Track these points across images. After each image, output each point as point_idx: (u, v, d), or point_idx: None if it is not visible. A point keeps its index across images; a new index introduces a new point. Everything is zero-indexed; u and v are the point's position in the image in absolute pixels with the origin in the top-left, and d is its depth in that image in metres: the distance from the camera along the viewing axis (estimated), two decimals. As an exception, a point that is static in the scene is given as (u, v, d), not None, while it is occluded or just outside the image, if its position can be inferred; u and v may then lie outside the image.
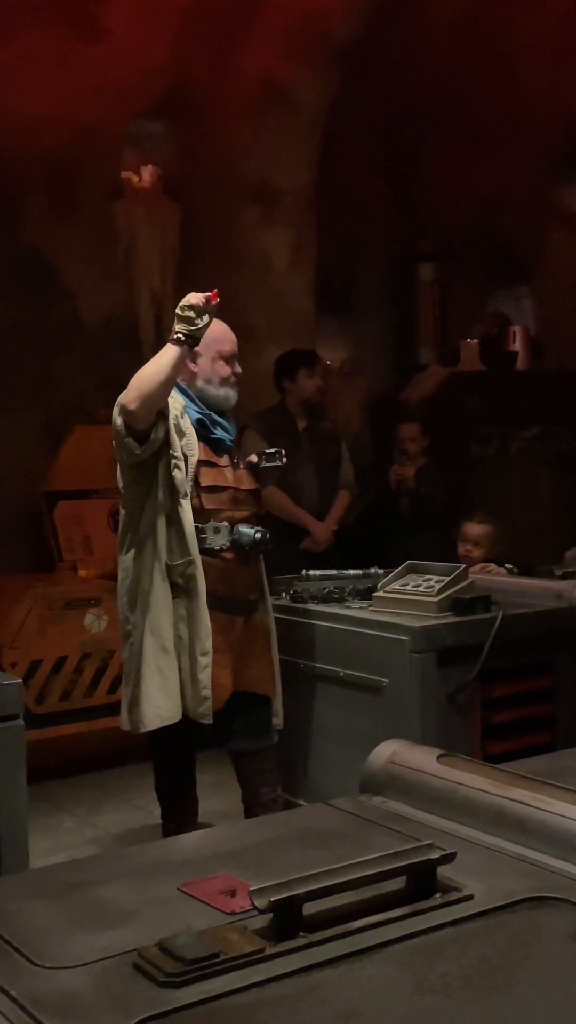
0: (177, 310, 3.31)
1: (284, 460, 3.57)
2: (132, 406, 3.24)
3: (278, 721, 3.60)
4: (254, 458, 3.58)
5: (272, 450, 3.59)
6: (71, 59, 6.16)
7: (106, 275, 6.50)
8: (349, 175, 7.30)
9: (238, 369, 3.58)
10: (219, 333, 3.51)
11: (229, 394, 3.54)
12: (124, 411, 3.27)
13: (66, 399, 6.31)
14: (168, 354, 3.28)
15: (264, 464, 3.56)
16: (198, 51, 6.53)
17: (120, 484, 3.44)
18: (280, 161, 6.71)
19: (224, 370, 3.52)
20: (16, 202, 6.25)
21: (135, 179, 6.63)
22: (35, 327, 6.28)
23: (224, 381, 3.52)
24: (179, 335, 3.28)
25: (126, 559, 3.42)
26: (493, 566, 4.69)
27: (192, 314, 3.26)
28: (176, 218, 6.63)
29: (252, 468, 3.58)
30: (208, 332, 3.32)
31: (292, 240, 6.83)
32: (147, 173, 6.64)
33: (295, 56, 6.53)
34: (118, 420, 3.30)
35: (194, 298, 3.29)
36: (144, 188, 6.62)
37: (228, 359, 3.55)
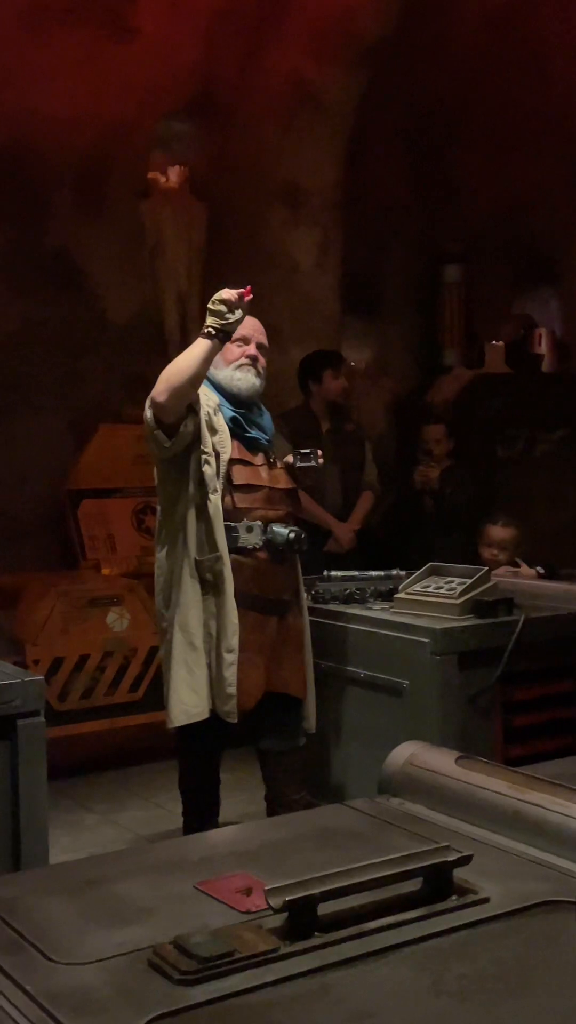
0: (209, 304, 3.31)
1: (320, 460, 3.54)
2: (161, 398, 3.25)
3: (309, 724, 3.59)
4: (290, 458, 3.57)
5: (307, 450, 3.56)
6: (100, 59, 6.19)
7: (133, 275, 6.52)
8: (376, 176, 7.29)
9: (252, 351, 3.51)
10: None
11: (233, 376, 3.47)
12: (153, 403, 3.28)
13: (91, 398, 6.34)
14: (198, 348, 3.29)
15: (299, 464, 3.55)
16: (227, 51, 6.55)
17: (156, 480, 3.46)
18: (307, 161, 6.71)
19: (233, 353, 3.47)
20: (44, 201, 6.28)
21: (163, 179, 6.65)
22: (61, 326, 6.31)
23: (231, 363, 3.48)
24: (210, 329, 3.28)
25: (160, 555, 3.44)
26: (524, 566, 4.67)
27: (224, 308, 3.26)
28: (203, 218, 6.65)
29: (289, 468, 3.57)
30: None
31: (318, 240, 6.83)
32: (175, 173, 6.65)
33: (323, 56, 6.53)
34: (148, 413, 3.31)
35: (226, 293, 3.29)
36: (171, 188, 6.64)
37: (244, 343, 3.50)
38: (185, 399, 3.27)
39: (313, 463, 3.52)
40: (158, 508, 3.50)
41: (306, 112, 6.64)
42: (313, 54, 6.51)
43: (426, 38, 6.92)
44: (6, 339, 6.16)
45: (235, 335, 3.42)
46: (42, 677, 2.82)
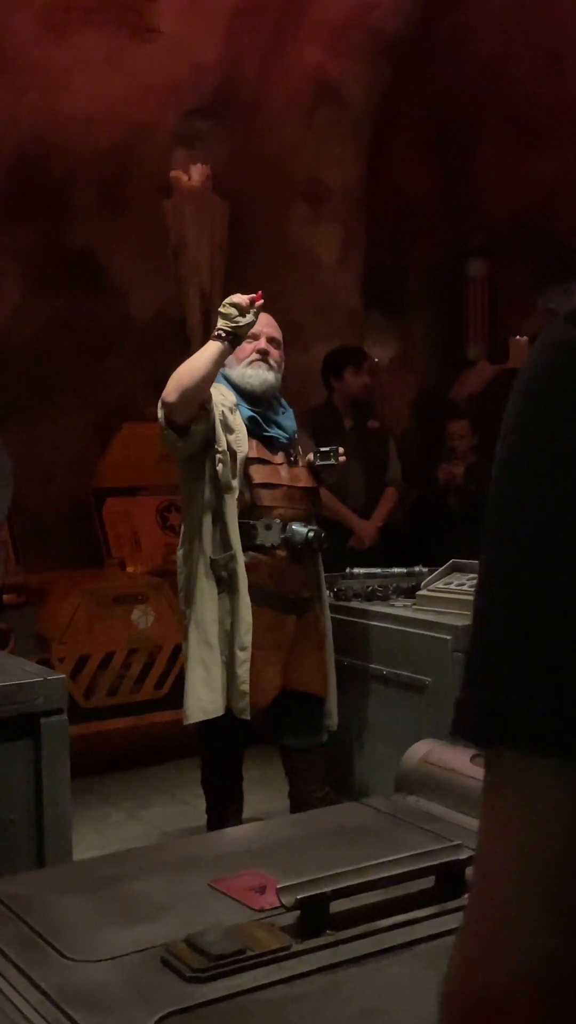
0: (220, 308, 3.33)
1: (341, 459, 3.53)
2: (170, 399, 3.27)
3: (331, 722, 3.60)
4: (311, 457, 3.57)
5: (327, 448, 3.55)
6: (121, 59, 6.21)
7: (155, 273, 6.54)
8: (398, 171, 7.28)
9: (261, 345, 3.50)
10: None
11: (245, 373, 3.48)
12: (164, 404, 3.30)
13: (115, 397, 6.36)
14: (209, 350, 3.30)
15: (319, 463, 3.54)
16: (247, 49, 6.55)
17: (178, 480, 3.49)
18: (329, 158, 6.70)
19: (244, 350, 3.46)
20: (67, 201, 6.31)
21: (185, 178, 6.66)
22: (85, 325, 6.34)
23: (242, 360, 3.48)
24: (220, 332, 3.30)
25: (180, 554, 3.47)
26: None
27: (234, 311, 3.28)
28: (225, 216, 6.65)
29: (311, 467, 3.57)
30: None
31: (341, 237, 6.82)
32: (197, 171, 6.66)
33: (344, 52, 6.52)
34: (160, 413, 3.33)
35: (238, 297, 3.31)
36: (194, 186, 6.65)
37: (253, 339, 3.48)
38: (195, 401, 3.29)
39: (333, 462, 3.52)
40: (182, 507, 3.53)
41: (327, 108, 6.64)
42: (334, 50, 6.51)
43: (446, 32, 6.90)
44: (30, 338, 6.20)
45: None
46: (65, 675, 2.85)
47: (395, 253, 7.47)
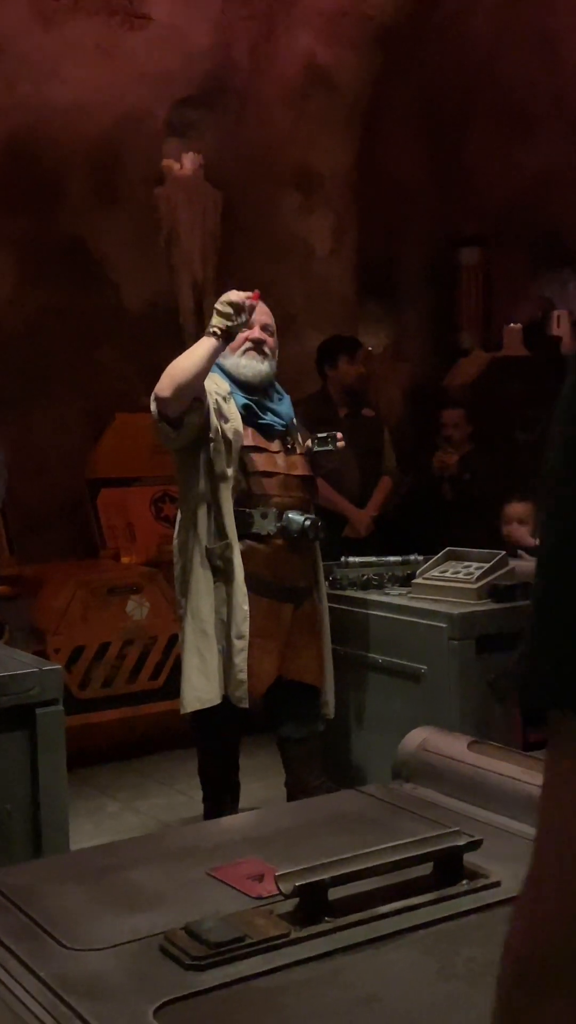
0: (217, 305, 3.32)
1: (340, 444, 3.50)
2: (163, 394, 3.27)
3: (327, 710, 3.60)
4: (309, 443, 3.56)
5: (324, 434, 3.53)
6: (112, 47, 6.19)
7: (148, 263, 6.52)
8: (391, 159, 7.26)
9: (255, 334, 3.48)
10: None
11: (239, 363, 3.47)
12: (156, 398, 3.30)
13: (108, 387, 6.34)
14: (203, 346, 3.30)
15: (316, 448, 3.53)
16: (239, 36, 6.53)
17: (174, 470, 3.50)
18: (321, 146, 6.69)
19: (237, 339, 3.44)
20: (59, 190, 6.29)
21: (177, 166, 6.64)
22: (77, 315, 6.32)
23: (236, 350, 3.47)
24: (215, 329, 3.29)
25: (175, 543, 3.47)
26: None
27: (230, 310, 3.27)
28: (217, 205, 6.63)
29: (308, 454, 3.57)
30: None
31: (333, 225, 6.81)
32: (189, 160, 6.64)
33: (336, 39, 6.50)
34: (152, 406, 3.33)
35: (234, 295, 3.30)
36: (186, 175, 6.63)
37: (248, 327, 3.46)
38: (188, 395, 3.28)
39: (331, 447, 3.50)
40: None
41: (319, 96, 6.62)
42: (326, 37, 6.49)
43: (438, 20, 6.88)
44: (23, 328, 6.18)
45: None
46: (60, 666, 2.84)
47: (388, 241, 7.46)
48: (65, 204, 6.32)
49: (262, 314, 3.53)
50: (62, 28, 6.05)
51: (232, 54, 6.57)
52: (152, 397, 3.33)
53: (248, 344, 3.48)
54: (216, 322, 3.30)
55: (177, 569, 3.48)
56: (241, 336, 3.46)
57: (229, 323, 3.28)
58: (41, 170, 6.18)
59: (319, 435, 3.54)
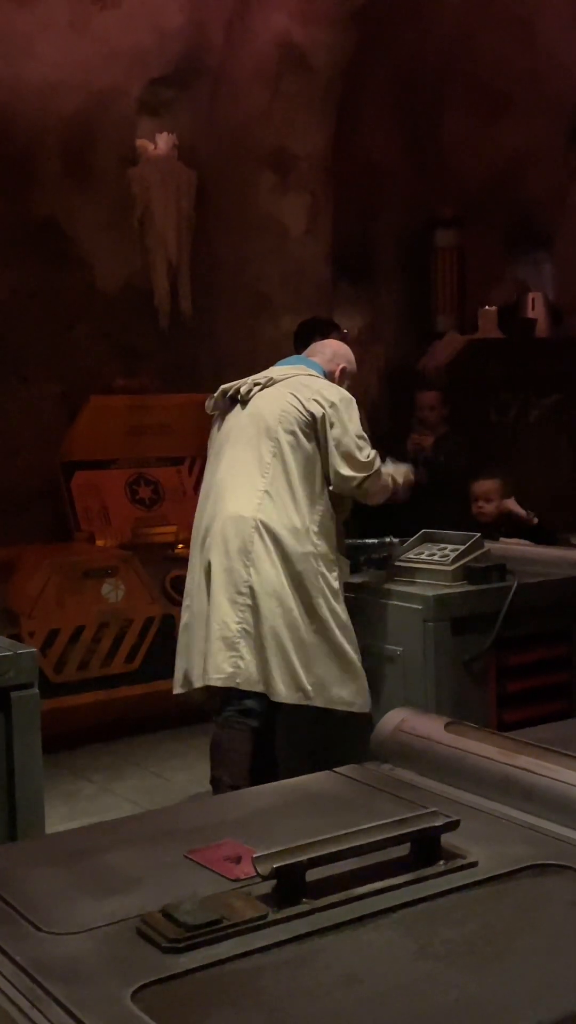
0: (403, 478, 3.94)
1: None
2: (376, 500, 3.79)
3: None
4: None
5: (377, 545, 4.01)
6: (86, 24, 6.12)
7: (122, 243, 6.47)
8: (366, 140, 7.23)
9: None
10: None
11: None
12: (368, 492, 3.72)
13: (82, 369, 6.31)
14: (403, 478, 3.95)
15: (369, 555, 3.96)
16: (213, 15, 6.47)
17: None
18: (296, 126, 6.65)
19: None
20: (31, 170, 6.22)
21: (150, 146, 6.58)
22: (51, 296, 6.27)
23: None
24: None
25: (310, 530, 3.66)
26: (516, 505, 4.74)
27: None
28: (191, 185, 6.59)
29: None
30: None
31: (308, 206, 6.77)
32: (162, 140, 6.59)
33: (311, 19, 6.45)
34: (360, 476, 3.63)
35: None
36: (159, 155, 6.58)
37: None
38: None
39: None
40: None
41: (294, 76, 6.57)
42: (300, 16, 6.44)
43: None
44: (-5, 310, 6.13)
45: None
46: (35, 649, 2.82)
47: (363, 223, 7.44)
48: (37, 183, 6.26)
49: None
50: (35, 5, 5.97)
51: (206, 33, 6.51)
52: (366, 470, 3.60)
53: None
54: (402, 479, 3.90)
55: (311, 561, 3.59)
56: None
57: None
58: (13, 149, 6.11)
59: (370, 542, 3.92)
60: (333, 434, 3.54)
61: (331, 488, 3.60)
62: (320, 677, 3.46)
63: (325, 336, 5.61)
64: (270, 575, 3.46)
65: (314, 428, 3.55)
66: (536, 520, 4.90)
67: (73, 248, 6.38)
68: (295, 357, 3.95)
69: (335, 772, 1.80)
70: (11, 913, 1.35)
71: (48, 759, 2.73)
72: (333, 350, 3.96)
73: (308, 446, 3.56)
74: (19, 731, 2.65)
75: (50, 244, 6.27)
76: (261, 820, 1.62)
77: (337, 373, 3.85)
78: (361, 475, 3.58)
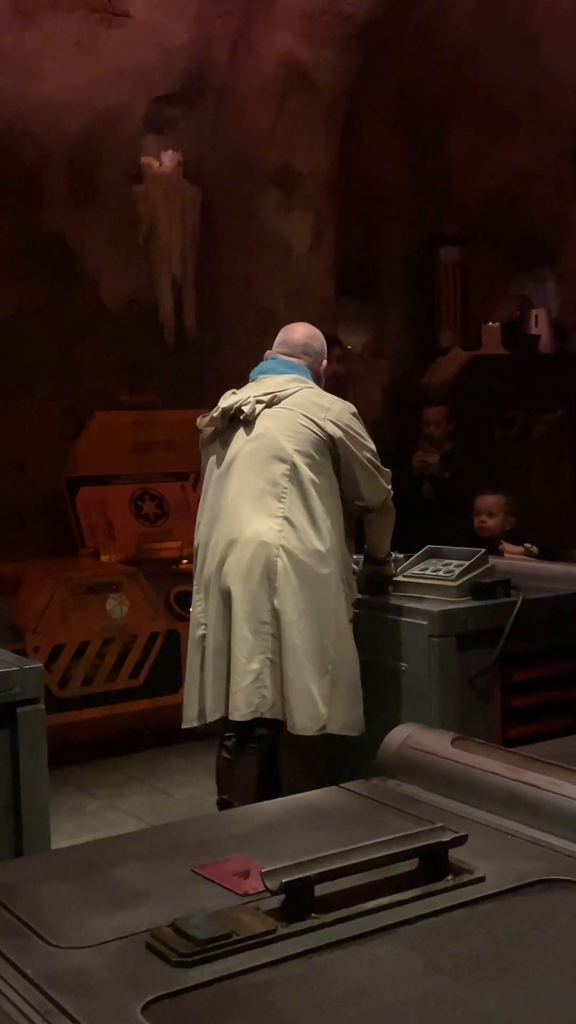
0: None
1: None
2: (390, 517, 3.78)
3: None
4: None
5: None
6: (91, 43, 6.17)
7: (127, 260, 6.51)
8: (370, 158, 7.27)
9: None
10: None
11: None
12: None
13: (88, 384, 6.33)
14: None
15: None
16: (218, 34, 6.52)
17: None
18: (300, 144, 6.69)
19: None
20: (38, 187, 6.26)
21: (156, 164, 6.63)
22: (56, 312, 6.30)
23: None
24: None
25: (324, 548, 3.62)
26: (506, 545, 4.71)
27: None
28: (196, 202, 6.63)
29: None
30: None
31: (312, 224, 6.81)
32: (168, 157, 6.63)
33: (315, 38, 6.50)
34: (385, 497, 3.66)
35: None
36: (164, 172, 6.62)
37: None
38: None
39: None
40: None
41: (299, 94, 6.62)
42: (305, 36, 6.49)
43: (418, 18, 6.89)
44: (1, 326, 6.15)
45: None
46: (41, 664, 2.83)
47: (367, 240, 7.47)
48: (44, 201, 6.30)
49: None
50: (41, 25, 6.02)
51: (211, 52, 6.56)
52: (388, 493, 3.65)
53: None
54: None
55: (336, 577, 3.56)
56: None
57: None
58: (20, 166, 6.15)
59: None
60: (356, 452, 3.51)
61: (347, 507, 3.59)
62: (336, 706, 3.44)
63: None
64: (294, 601, 3.39)
65: (331, 449, 3.49)
66: (536, 550, 4.86)
67: (79, 265, 6.42)
68: (279, 362, 3.71)
69: (342, 788, 1.81)
70: (21, 927, 1.35)
71: (52, 775, 2.73)
72: (314, 348, 3.76)
73: (324, 468, 3.48)
74: (25, 746, 2.66)
75: (56, 261, 6.30)
76: (268, 835, 1.63)
77: (322, 371, 3.81)
78: (389, 485, 3.62)
